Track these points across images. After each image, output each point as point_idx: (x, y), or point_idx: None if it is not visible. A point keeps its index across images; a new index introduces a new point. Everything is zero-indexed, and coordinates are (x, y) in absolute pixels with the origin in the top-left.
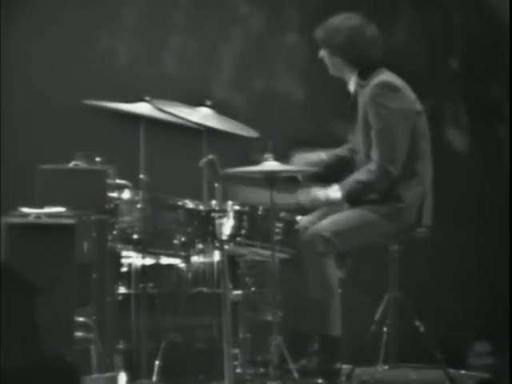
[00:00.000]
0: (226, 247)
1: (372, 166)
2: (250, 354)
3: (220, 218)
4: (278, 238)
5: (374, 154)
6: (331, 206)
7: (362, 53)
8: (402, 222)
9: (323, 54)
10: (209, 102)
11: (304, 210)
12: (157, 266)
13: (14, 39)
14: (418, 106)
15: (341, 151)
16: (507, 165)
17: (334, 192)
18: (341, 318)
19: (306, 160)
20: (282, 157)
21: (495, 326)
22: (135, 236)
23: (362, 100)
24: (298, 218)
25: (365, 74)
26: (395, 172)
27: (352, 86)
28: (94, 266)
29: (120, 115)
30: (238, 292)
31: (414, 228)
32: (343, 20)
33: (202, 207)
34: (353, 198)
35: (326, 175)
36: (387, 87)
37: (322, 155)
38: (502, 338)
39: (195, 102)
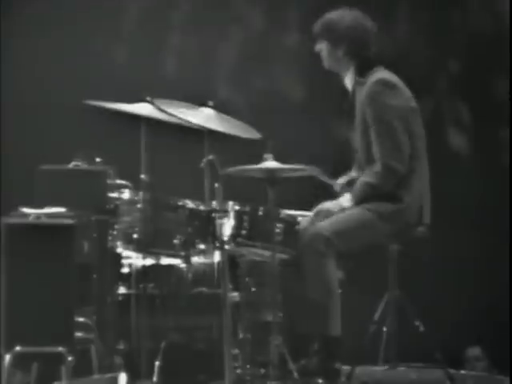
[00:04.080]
0: (226, 247)
1: (377, 167)
2: (250, 355)
3: (220, 218)
4: (278, 238)
5: (378, 153)
6: None
7: (362, 44)
8: (403, 222)
9: (321, 46)
10: (210, 103)
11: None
12: (157, 266)
13: (14, 39)
14: (414, 104)
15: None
16: (507, 165)
17: (347, 201)
18: (341, 318)
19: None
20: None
21: (495, 327)
22: (135, 236)
23: (359, 98)
24: (299, 218)
25: (362, 70)
26: (401, 169)
27: (348, 83)
28: (95, 266)
29: (121, 115)
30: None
31: (414, 227)
32: (344, 12)
33: (202, 207)
34: (363, 201)
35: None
36: (385, 85)
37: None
38: (502, 339)
39: (196, 102)
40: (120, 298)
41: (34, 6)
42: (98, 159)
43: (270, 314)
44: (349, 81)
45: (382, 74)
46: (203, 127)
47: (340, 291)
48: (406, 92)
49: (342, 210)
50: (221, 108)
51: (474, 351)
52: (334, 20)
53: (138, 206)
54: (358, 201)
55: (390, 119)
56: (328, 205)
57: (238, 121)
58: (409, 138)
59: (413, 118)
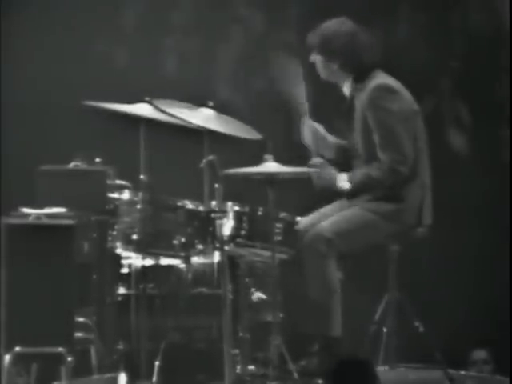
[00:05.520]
0: (225, 248)
1: (383, 166)
2: (249, 355)
3: (220, 218)
4: (277, 238)
5: (382, 157)
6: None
7: (357, 58)
8: (403, 223)
9: (315, 58)
10: (210, 103)
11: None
12: (157, 266)
13: (14, 39)
14: (415, 106)
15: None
16: (507, 165)
17: (343, 181)
18: (341, 319)
19: (315, 129)
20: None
21: (495, 327)
22: (135, 237)
23: (359, 103)
24: (298, 218)
25: (360, 77)
26: (406, 172)
27: (347, 90)
28: (94, 266)
29: (120, 116)
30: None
31: (414, 228)
32: (337, 26)
33: (201, 208)
34: (357, 192)
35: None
36: (385, 90)
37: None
38: (502, 339)
39: (196, 102)
40: (120, 299)
41: (34, 6)
42: (97, 159)
43: (270, 314)
44: (347, 88)
45: (381, 78)
46: (203, 127)
47: (340, 292)
48: (406, 95)
49: (332, 188)
50: (221, 108)
51: (481, 354)
52: (328, 36)
53: (138, 206)
54: (354, 188)
55: (392, 124)
56: (325, 174)
57: (238, 121)
58: (411, 141)
59: (414, 120)
